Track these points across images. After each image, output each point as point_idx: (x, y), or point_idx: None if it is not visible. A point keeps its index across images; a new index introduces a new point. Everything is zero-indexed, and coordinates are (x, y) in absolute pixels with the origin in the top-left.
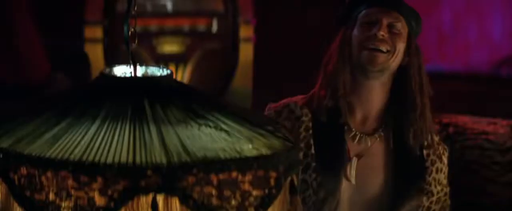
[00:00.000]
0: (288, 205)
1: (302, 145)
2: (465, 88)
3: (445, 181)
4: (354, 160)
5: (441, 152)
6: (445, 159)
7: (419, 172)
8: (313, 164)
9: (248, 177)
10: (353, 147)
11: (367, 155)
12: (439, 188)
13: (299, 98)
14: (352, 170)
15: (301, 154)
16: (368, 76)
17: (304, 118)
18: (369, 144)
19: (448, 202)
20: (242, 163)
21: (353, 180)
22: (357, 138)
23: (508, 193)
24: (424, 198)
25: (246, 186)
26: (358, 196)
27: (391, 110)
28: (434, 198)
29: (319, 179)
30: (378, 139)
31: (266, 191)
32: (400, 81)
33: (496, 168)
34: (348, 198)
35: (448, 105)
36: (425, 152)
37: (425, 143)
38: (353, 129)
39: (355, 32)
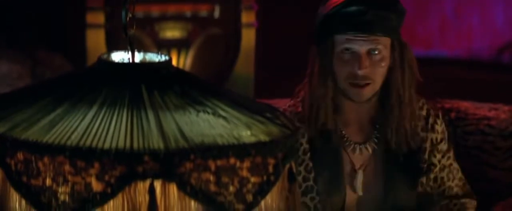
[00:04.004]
0: (286, 192)
1: (301, 168)
2: (467, 74)
3: (445, 147)
4: (360, 173)
5: (432, 121)
6: (438, 127)
7: (414, 167)
8: (316, 187)
9: (246, 163)
10: (356, 159)
11: (369, 162)
12: (439, 156)
13: (287, 110)
14: (358, 182)
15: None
16: (358, 102)
17: (302, 140)
18: (371, 151)
19: (455, 165)
20: (240, 150)
21: (360, 192)
22: (357, 149)
23: (509, 179)
24: (424, 178)
25: (244, 173)
26: (364, 202)
27: (380, 110)
28: (437, 168)
29: (323, 201)
30: (377, 141)
31: (264, 178)
32: (386, 81)
33: (498, 153)
34: (353, 206)
35: (450, 91)
36: (421, 135)
37: (419, 127)
38: (352, 142)
39: (336, 61)
